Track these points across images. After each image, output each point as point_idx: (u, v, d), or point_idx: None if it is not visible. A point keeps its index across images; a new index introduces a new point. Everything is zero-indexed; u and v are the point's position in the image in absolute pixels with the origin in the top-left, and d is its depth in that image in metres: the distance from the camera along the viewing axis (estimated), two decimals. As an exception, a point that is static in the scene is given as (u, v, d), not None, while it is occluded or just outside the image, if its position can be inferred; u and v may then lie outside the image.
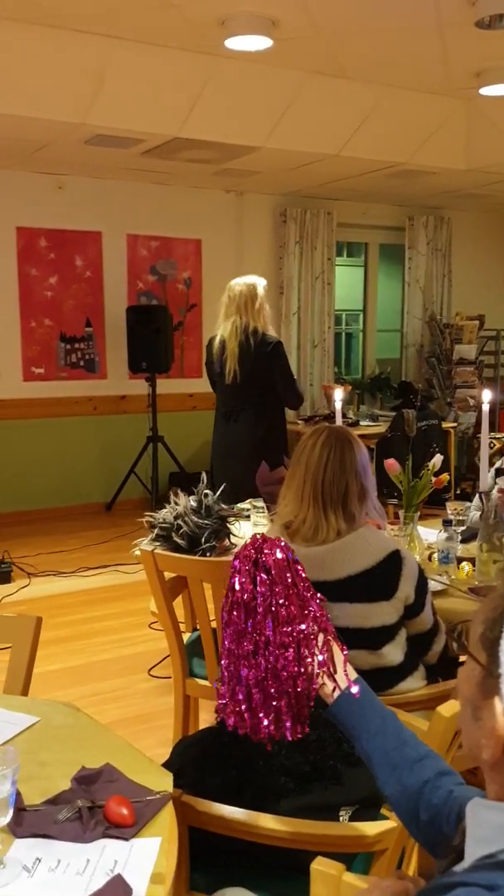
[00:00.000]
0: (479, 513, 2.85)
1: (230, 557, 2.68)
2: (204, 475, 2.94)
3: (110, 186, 6.62)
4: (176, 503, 2.81)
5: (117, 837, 1.25)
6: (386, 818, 1.78)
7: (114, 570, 5.26)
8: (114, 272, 6.77)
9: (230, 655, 1.34)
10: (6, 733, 1.57)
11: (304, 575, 1.34)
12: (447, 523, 2.49)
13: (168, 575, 2.55)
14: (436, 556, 2.53)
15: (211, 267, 7.18)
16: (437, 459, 2.51)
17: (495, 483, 3.22)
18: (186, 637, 2.81)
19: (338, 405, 2.72)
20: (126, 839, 1.25)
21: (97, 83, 4.64)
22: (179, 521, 2.74)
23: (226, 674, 1.36)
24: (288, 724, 1.31)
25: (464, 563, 2.50)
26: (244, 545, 1.38)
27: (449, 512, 2.67)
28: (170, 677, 3.62)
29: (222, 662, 1.37)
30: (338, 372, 7.47)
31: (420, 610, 1.98)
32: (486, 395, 2.42)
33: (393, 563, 1.93)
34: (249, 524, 2.97)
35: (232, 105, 5.10)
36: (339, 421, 2.75)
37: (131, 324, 6.51)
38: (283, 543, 1.35)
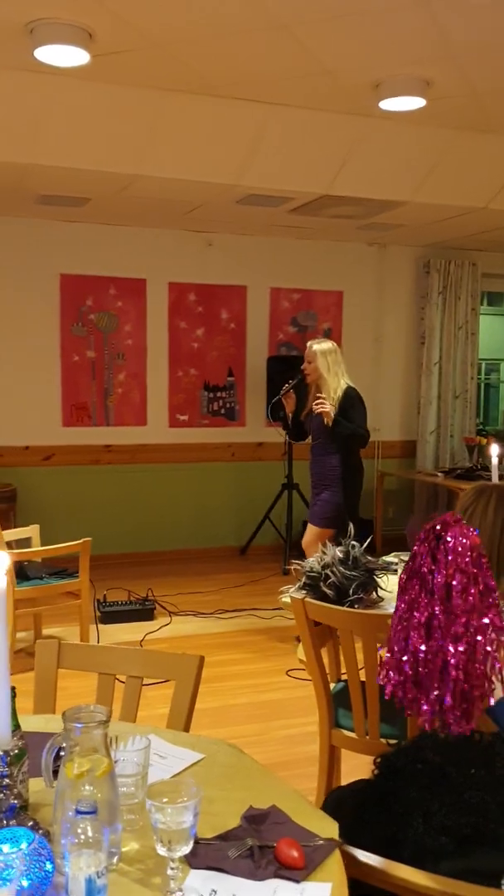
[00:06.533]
0: None
1: (379, 610, 2.71)
2: (351, 526, 2.99)
3: (255, 242, 6.87)
4: (324, 552, 2.86)
5: (288, 879, 1.29)
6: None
7: (249, 615, 5.34)
8: (256, 324, 6.99)
9: (402, 620, 1.37)
10: (174, 768, 1.64)
11: (489, 570, 1.34)
12: None
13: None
14: None
15: (351, 317, 7.29)
16: None
17: None
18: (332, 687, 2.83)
19: (494, 461, 2.71)
20: (297, 881, 1.29)
21: (253, 147, 4.87)
22: (327, 571, 2.79)
23: (393, 634, 1.38)
24: (457, 714, 1.32)
25: None
26: (434, 520, 1.40)
27: None
28: (308, 680, 3.70)
29: (393, 624, 1.39)
30: (480, 423, 7.35)
31: None
32: None
33: None
34: (395, 578, 2.98)
35: (380, 163, 5.22)
36: (495, 478, 2.73)
37: (271, 373, 6.68)
38: (473, 531, 1.36)
